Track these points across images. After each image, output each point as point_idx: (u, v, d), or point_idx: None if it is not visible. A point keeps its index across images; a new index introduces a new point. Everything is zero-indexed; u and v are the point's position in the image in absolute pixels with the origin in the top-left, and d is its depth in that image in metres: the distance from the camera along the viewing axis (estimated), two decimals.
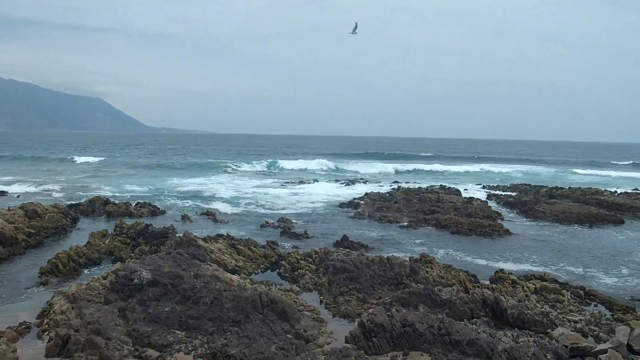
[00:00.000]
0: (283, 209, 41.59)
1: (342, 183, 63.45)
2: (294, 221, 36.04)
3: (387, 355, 14.54)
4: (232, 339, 14.31)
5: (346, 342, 15.06)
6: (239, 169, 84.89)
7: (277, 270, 24.00)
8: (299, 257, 24.46)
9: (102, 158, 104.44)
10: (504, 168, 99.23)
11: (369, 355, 14.23)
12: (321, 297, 20.09)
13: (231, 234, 28.75)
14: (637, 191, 61.64)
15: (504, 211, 44.26)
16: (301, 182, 64.26)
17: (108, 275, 19.69)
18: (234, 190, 54.84)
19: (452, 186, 59.05)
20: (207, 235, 27.58)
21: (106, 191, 50.15)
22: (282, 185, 61.08)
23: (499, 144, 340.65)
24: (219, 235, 27.86)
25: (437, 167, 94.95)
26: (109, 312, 15.86)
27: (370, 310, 16.49)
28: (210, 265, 21.63)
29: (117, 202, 40.09)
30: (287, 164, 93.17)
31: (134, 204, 39.51)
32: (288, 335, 15.58)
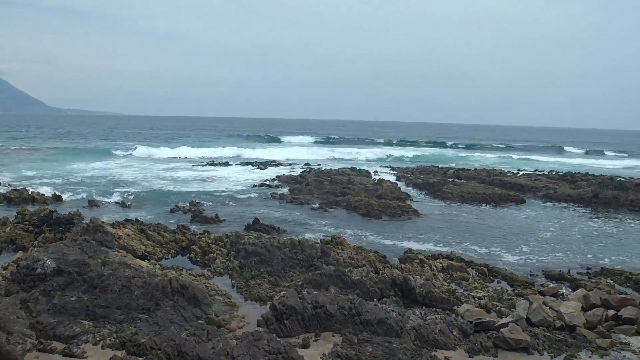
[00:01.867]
0: (193, 192, 40.98)
1: (254, 166, 63.11)
2: (205, 205, 35.63)
3: (299, 337, 14.67)
4: (141, 327, 14.02)
5: (258, 325, 15.07)
6: (147, 151, 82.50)
7: (188, 255, 23.67)
8: (209, 241, 24.20)
9: None
10: (411, 151, 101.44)
11: (281, 337, 14.30)
12: (233, 281, 19.99)
13: (140, 219, 28.07)
14: (537, 172, 64.64)
15: (413, 192, 45.33)
16: (212, 165, 63.52)
17: (9, 265, 18.80)
18: (142, 173, 53.52)
19: (362, 168, 59.99)
20: (115, 221, 26.79)
21: (4, 176, 47.79)
22: (192, 168, 60.10)
23: (417, 127, 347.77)
24: (128, 221, 27.10)
25: (350, 150, 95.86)
26: (10, 305, 15.18)
27: (282, 293, 16.57)
28: (118, 251, 21.07)
29: (18, 187, 38.37)
30: (198, 146, 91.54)
31: (35, 190, 37.91)
32: (199, 321, 15.44)
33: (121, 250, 21.60)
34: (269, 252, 21.35)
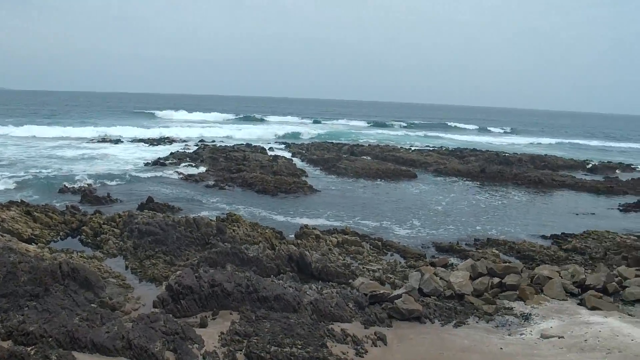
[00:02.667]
0: (83, 171, 39.38)
1: (147, 143, 61.34)
2: (96, 184, 34.39)
3: (196, 317, 14.53)
4: (30, 315, 13.38)
5: (154, 306, 14.79)
6: (30, 130, 77.65)
7: (79, 236, 22.78)
8: (101, 222, 23.39)
9: None
10: (306, 128, 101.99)
11: (178, 318, 14.12)
12: (127, 262, 19.47)
13: (26, 200, 26.70)
14: (427, 148, 66.80)
15: (308, 168, 45.66)
16: (102, 142, 61.23)
17: None
18: (26, 152, 50.76)
19: (258, 144, 59.79)
20: None
21: None
22: (80, 146, 57.60)
23: (306, 102, 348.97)
24: (12, 202, 25.67)
25: (250, 126, 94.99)
26: None
27: (178, 272, 16.32)
28: (2, 235, 20.00)
29: None
30: (81, 124, 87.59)
31: None
32: (92, 305, 14.96)
33: (5, 235, 20.47)
34: (164, 232, 20.94)
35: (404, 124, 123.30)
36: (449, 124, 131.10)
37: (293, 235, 23.22)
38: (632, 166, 58.73)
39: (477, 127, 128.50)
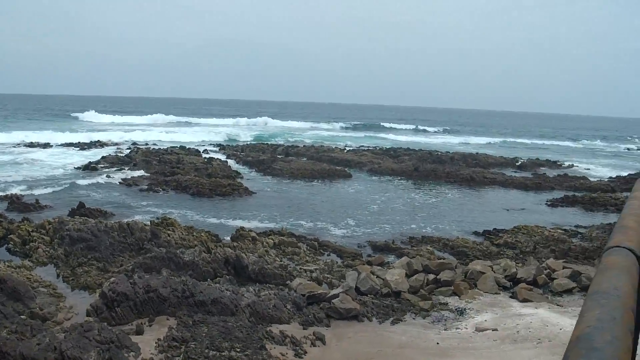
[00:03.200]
0: (9, 176, 38.02)
1: (77, 147, 59.69)
2: (23, 190, 33.24)
3: (132, 324, 14.25)
4: None
5: (88, 315, 14.42)
6: None
7: (6, 245, 21.97)
8: (30, 229, 22.63)
9: None
10: (241, 130, 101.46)
11: (113, 325, 13.81)
12: (58, 271, 18.89)
13: None
14: (362, 148, 67.43)
15: (243, 170, 45.39)
16: (29, 146, 59.23)
17: None
18: None
19: (192, 147, 59.05)
20: None
21: None
22: (5, 151, 55.59)
23: (240, 103, 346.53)
24: None
25: (186, 130, 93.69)
26: None
27: (112, 279, 15.97)
28: None
29: None
30: (9, 128, 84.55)
31: None
32: (22, 317, 14.45)
33: None
34: (96, 238, 20.43)
35: (340, 125, 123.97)
36: (384, 124, 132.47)
37: (229, 238, 23.04)
38: (559, 163, 60.74)
39: (413, 127, 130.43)
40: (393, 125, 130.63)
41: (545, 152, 75.04)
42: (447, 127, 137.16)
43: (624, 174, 51.41)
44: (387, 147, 68.83)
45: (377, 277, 18.06)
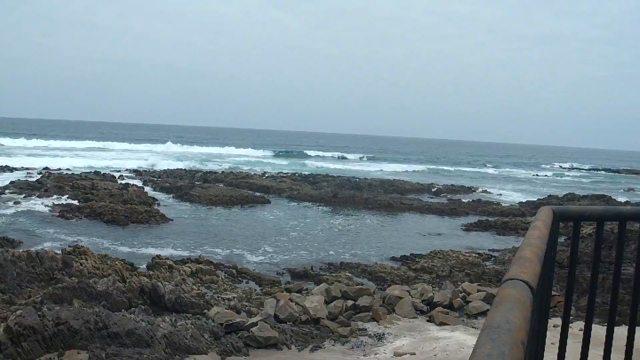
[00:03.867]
0: None
1: None
2: None
3: (40, 359, 13.60)
4: None
5: None
6: None
7: None
8: None
9: None
10: (157, 157, 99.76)
11: None
12: None
13: None
14: (281, 174, 67.48)
15: (160, 196, 44.47)
16: None
17: None
18: None
19: (107, 172, 57.49)
20: None
21: None
22: None
23: (159, 128, 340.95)
24: None
25: (105, 155, 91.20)
26: None
27: (18, 312, 15.19)
28: None
29: None
30: None
31: None
32: None
33: None
34: (2, 268, 19.42)
35: (261, 152, 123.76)
36: (308, 152, 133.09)
37: (145, 267, 22.47)
38: (473, 189, 62.65)
39: (337, 154, 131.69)
40: (317, 153, 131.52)
41: (460, 179, 77.23)
42: (369, 154, 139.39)
43: (534, 199, 53.59)
44: (306, 173, 69.16)
45: (296, 304, 17.96)
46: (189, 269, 22.10)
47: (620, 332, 4.04)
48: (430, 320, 17.86)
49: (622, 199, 57.23)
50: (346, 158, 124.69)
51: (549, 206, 3.35)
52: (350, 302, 18.53)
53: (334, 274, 22.98)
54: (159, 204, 39.90)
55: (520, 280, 1.58)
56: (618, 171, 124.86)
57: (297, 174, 67.08)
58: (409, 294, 19.52)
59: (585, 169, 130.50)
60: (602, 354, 3.79)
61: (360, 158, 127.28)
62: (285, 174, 68.36)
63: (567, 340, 3.66)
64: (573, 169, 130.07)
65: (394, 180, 63.73)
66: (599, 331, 4.08)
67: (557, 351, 3.67)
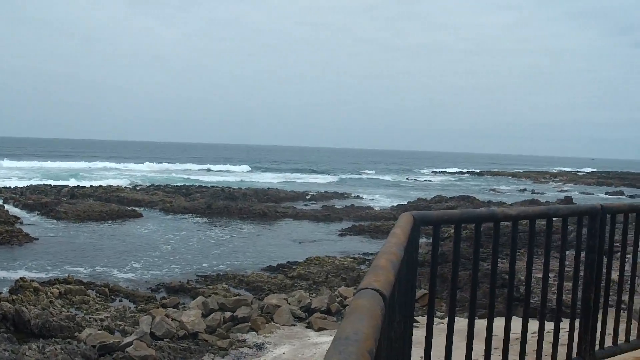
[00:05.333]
0: None
1: None
2: None
3: None
4: None
5: None
6: None
7: None
8: None
9: None
10: (18, 172, 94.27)
11: None
12: None
13: None
14: (153, 186, 65.75)
15: (23, 214, 41.99)
16: None
17: None
18: None
19: None
20: None
21: None
22: None
23: (23, 141, 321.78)
24: None
25: None
26: None
27: None
28: None
29: None
30: None
31: None
32: None
33: None
34: None
35: (130, 163, 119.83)
36: (181, 164, 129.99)
37: (7, 291, 21.09)
38: (346, 194, 64.06)
39: (205, 166, 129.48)
40: (187, 167, 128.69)
41: (332, 186, 78.67)
42: (247, 165, 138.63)
43: (404, 202, 55.62)
44: (179, 185, 67.72)
45: (173, 319, 17.54)
46: (57, 291, 21.01)
47: (481, 323, 4.26)
48: (309, 326, 18.05)
49: (485, 199, 60.68)
50: (229, 170, 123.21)
51: (409, 212, 3.47)
52: (228, 314, 18.37)
53: (210, 287, 22.69)
54: (21, 223, 37.64)
55: (372, 289, 1.63)
56: (480, 173, 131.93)
57: (169, 186, 65.54)
58: (287, 302, 19.62)
59: (451, 172, 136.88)
60: (468, 344, 3.99)
61: (241, 169, 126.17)
62: (157, 186, 66.64)
63: (452, 336, 3.81)
64: (442, 172, 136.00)
65: (268, 189, 63.96)
66: (463, 324, 4.27)
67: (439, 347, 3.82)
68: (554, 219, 4.49)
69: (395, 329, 2.49)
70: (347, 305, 19.62)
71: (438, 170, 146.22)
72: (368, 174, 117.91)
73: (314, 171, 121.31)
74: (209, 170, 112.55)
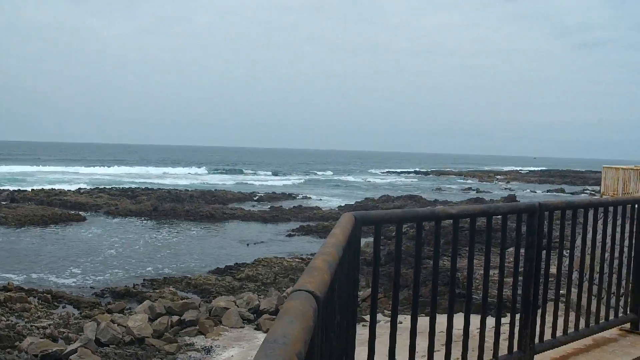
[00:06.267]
0: None
1: None
2: None
3: None
4: None
5: None
6: None
7: None
8: None
9: None
10: None
11: None
12: None
13: None
14: (97, 189, 64.33)
15: None
16: None
17: None
18: None
19: None
20: None
21: None
22: None
23: None
24: None
25: None
26: None
27: None
28: None
29: None
30: None
31: None
32: None
33: None
34: None
35: (75, 166, 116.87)
36: (131, 167, 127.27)
37: None
38: (294, 195, 64.07)
39: (161, 168, 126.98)
40: (135, 170, 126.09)
41: (280, 188, 78.52)
42: (194, 166, 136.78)
43: (352, 202, 55.97)
44: (124, 187, 66.48)
45: (119, 325, 17.23)
46: None
47: (426, 321, 4.32)
48: (258, 328, 17.99)
49: (432, 198, 61.60)
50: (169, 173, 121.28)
51: (350, 212, 3.48)
52: (175, 318, 18.15)
53: (157, 290, 22.35)
54: None
55: (306, 290, 1.63)
56: (427, 173, 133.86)
57: (114, 189, 64.23)
58: (235, 304, 19.51)
59: (400, 172, 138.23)
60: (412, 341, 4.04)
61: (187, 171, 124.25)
62: (102, 188, 65.24)
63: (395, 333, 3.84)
64: (393, 173, 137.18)
65: (215, 190, 63.45)
66: (409, 321, 4.31)
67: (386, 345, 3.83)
68: (495, 217, 4.60)
69: (335, 329, 2.48)
70: None
71: (390, 170, 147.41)
72: (317, 174, 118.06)
73: (265, 172, 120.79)
74: (163, 174, 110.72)
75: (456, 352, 4.30)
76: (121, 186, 66.74)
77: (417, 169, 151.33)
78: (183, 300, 19.56)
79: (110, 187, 66.15)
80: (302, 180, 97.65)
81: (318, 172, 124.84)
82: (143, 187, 64.66)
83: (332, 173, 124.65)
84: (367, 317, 13.33)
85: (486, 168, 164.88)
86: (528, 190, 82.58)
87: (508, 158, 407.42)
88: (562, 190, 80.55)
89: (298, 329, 1.29)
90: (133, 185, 67.25)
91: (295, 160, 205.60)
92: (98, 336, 16.37)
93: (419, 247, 4.11)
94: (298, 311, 1.42)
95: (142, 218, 43.58)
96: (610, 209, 5.83)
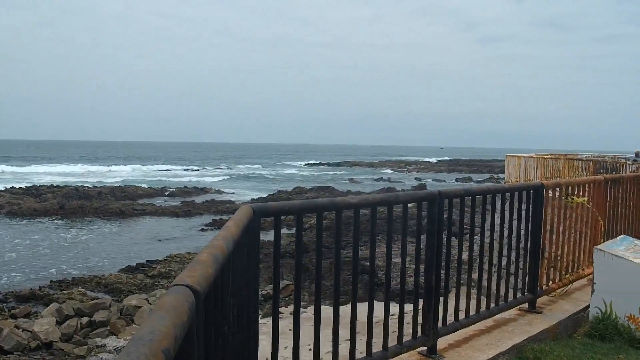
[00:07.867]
0: None
1: None
2: None
3: None
4: None
5: None
6: None
7: None
8: None
9: None
10: None
11: None
12: None
13: None
14: None
15: None
16: None
17: None
18: None
19: None
20: None
21: None
22: None
23: None
24: None
25: None
26: None
27: None
28: None
29: None
30: None
31: None
32: None
33: None
34: None
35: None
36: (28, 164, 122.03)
37: None
38: (206, 189, 63.34)
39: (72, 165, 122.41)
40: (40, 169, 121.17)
41: (193, 182, 77.48)
42: (101, 161, 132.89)
43: (265, 195, 55.97)
44: (27, 186, 63.62)
45: (24, 330, 16.52)
46: None
47: (344, 309, 4.38)
48: None
49: (344, 188, 62.29)
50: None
51: (247, 205, 3.48)
52: (85, 319, 17.58)
53: (65, 292, 21.52)
54: None
55: (184, 285, 1.62)
56: (339, 164, 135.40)
57: (14, 188, 61.23)
58: (148, 302, 19.10)
59: (310, 164, 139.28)
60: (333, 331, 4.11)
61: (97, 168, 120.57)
62: (2, 188, 62.19)
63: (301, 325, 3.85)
64: (304, 165, 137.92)
65: (125, 186, 61.86)
66: (326, 311, 4.35)
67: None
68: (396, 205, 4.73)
69: (230, 323, 2.49)
70: None
71: (303, 163, 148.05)
72: (230, 167, 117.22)
73: (177, 166, 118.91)
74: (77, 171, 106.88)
75: (362, 341, 4.40)
76: (21, 185, 63.68)
77: (329, 161, 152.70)
78: (93, 301, 18.94)
79: (10, 186, 63.09)
80: (216, 175, 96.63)
81: (231, 166, 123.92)
82: (48, 185, 62.05)
83: (244, 167, 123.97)
84: (288, 310, 13.36)
85: (397, 158, 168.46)
86: (438, 180, 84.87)
87: (417, 148, 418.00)
88: (470, 179, 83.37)
89: (167, 325, 1.27)
90: (37, 184, 64.37)
91: (204, 156, 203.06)
92: (1, 344, 15.64)
93: (320, 237, 4.17)
94: (170, 307, 1.41)
95: (48, 217, 41.88)
96: (508, 195, 6.09)
